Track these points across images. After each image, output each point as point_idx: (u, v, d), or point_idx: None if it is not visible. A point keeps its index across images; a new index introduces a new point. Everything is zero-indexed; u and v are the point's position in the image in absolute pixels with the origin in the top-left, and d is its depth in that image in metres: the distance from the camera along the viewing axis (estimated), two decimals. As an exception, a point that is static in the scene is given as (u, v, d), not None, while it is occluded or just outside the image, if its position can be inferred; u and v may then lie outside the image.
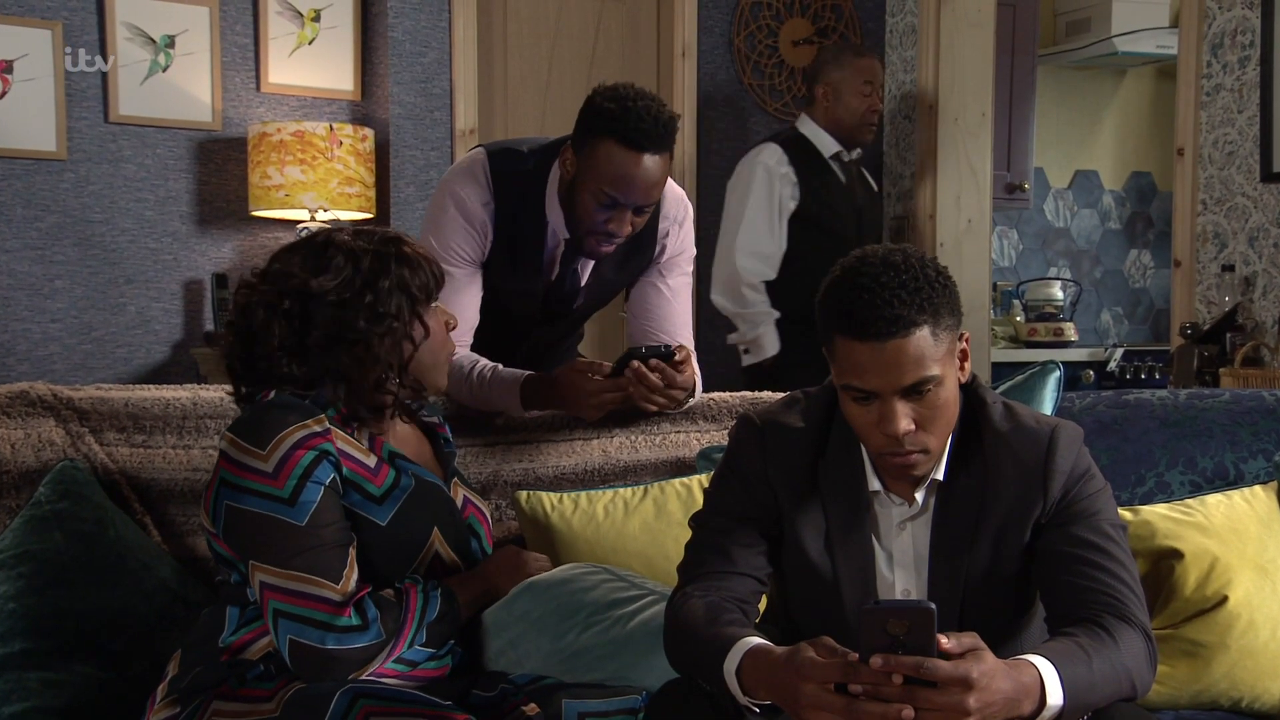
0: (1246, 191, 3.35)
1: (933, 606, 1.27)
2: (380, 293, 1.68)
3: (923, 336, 1.43)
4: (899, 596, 1.56)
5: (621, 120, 2.00)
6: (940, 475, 1.55)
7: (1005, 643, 1.56)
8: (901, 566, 1.57)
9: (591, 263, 2.27)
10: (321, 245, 1.72)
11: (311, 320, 1.68)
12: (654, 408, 2.08)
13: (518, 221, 2.20)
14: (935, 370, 1.45)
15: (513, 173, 2.19)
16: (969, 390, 1.58)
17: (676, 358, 2.04)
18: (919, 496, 1.55)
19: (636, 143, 2.00)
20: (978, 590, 1.54)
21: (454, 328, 1.80)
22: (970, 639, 1.30)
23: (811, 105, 3.74)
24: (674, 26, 4.39)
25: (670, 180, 2.29)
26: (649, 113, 2.01)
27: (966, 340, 1.53)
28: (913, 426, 1.46)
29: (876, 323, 1.42)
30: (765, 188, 3.58)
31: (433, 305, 1.75)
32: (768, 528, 1.60)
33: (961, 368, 1.53)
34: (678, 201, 2.29)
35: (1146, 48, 4.93)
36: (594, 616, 1.74)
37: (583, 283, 2.30)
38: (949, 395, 1.49)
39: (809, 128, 3.73)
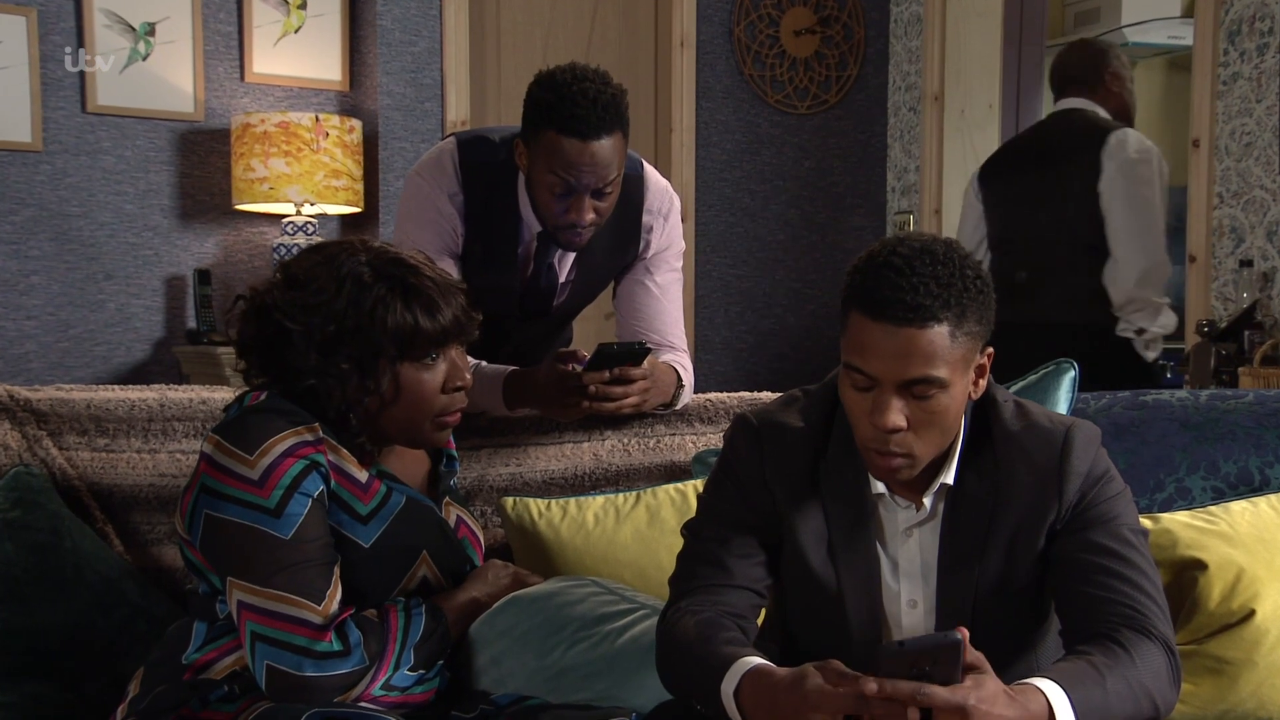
0: (1265, 184, 3.27)
1: (959, 638, 1.21)
2: (344, 333, 1.57)
3: (939, 333, 1.35)
4: (904, 606, 1.50)
5: (558, 109, 1.94)
6: (950, 479, 1.47)
7: (1019, 657, 1.49)
8: (908, 576, 1.50)
9: (570, 258, 2.21)
10: (325, 258, 1.62)
11: (269, 335, 1.60)
12: (628, 410, 2.03)
13: (490, 214, 2.13)
14: (942, 373, 1.36)
15: (483, 163, 2.12)
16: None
17: (650, 355, 2.00)
18: (927, 501, 1.48)
19: (578, 131, 1.94)
20: (990, 601, 1.47)
21: (461, 387, 1.65)
22: (972, 657, 1.24)
23: (1094, 90, 3.41)
24: (672, 16, 4.36)
25: (654, 173, 2.23)
26: (586, 97, 1.93)
27: (989, 356, 1.45)
28: (904, 424, 1.38)
29: (896, 306, 1.34)
30: (1163, 169, 3.31)
31: (425, 360, 1.61)
32: (766, 535, 1.53)
33: (975, 383, 1.45)
34: (662, 194, 2.22)
35: (1157, 38, 4.88)
36: (581, 632, 1.69)
37: (561, 279, 2.24)
38: (951, 405, 1.40)
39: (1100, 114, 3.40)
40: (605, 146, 1.95)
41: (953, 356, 1.36)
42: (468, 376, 1.66)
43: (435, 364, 1.62)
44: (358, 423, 1.60)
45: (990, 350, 1.44)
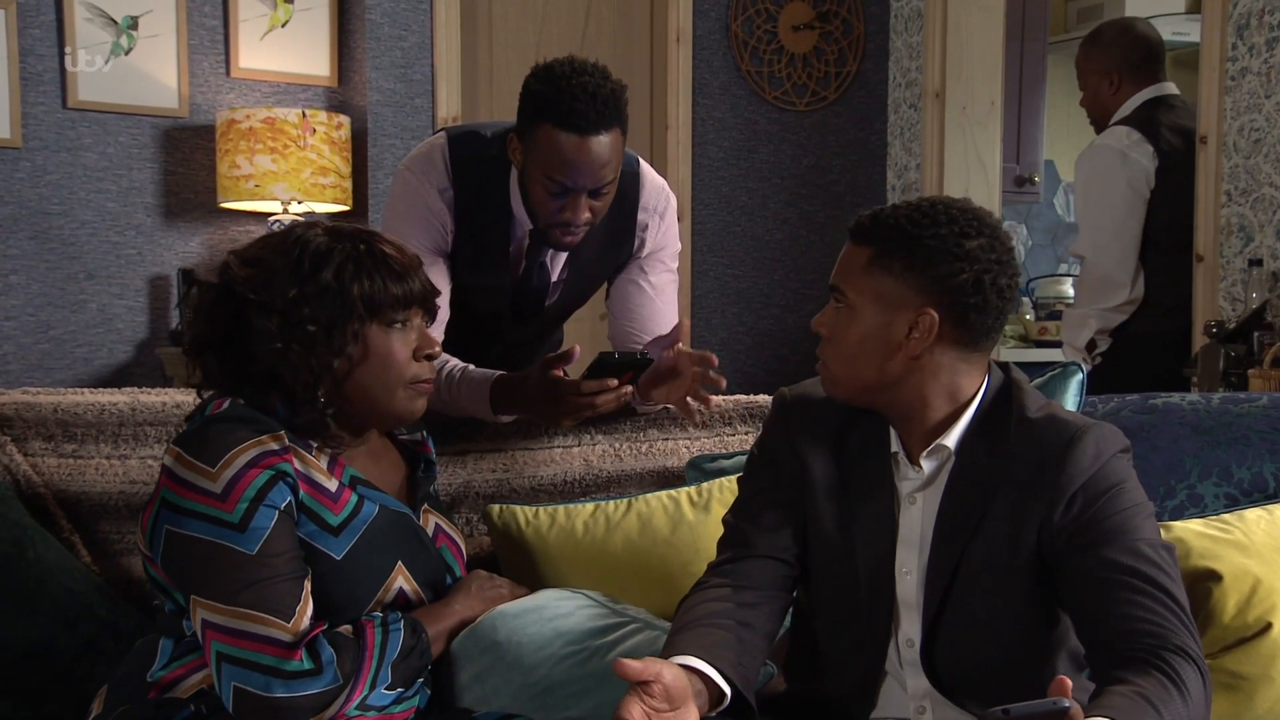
0: (1275, 181, 3.21)
1: (1068, 705, 1.16)
2: (307, 295, 1.53)
3: (859, 252, 1.47)
4: (899, 572, 1.49)
5: (556, 103, 1.89)
6: (949, 443, 1.48)
7: (1016, 656, 1.45)
8: (906, 543, 1.50)
9: (562, 256, 2.15)
10: (279, 236, 1.59)
11: (227, 313, 1.55)
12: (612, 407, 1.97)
13: (480, 211, 2.09)
14: (849, 291, 1.47)
15: (474, 159, 2.08)
16: (1005, 374, 1.54)
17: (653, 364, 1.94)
18: (924, 463, 1.50)
19: (576, 126, 1.89)
20: (972, 581, 1.46)
21: (432, 356, 1.63)
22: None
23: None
24: (668, 10, 4.31)
25: (650, 170, 2.19)
26: (586, 91, 1.89)
27: (933, 321, 1.44)
28: (822, 331, 1.52)
29: (856, 222, 1.50)
30: None
31: (394, 324, 1.58)
32: (795, 504, 1.57)
33: (908, 335, 1.45)
34: (658, 192, 2.18)
35: (1162, 35, 4.79)
36: (569, 647, 1.65)
37: (554, 278, 2.19)
38: (852, 331, 1.48)
39: None
40: (603, 143, 1.91)
41: (864, 283, 1.46)
42: (438, 346, 1.63)
43: (405, 330, 1.59)
44: (325, 396, 1.54)
45: (934, 314, 1.44)
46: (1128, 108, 3.40)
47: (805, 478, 1.56)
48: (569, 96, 1.88)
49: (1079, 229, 3.44)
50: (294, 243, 1.56)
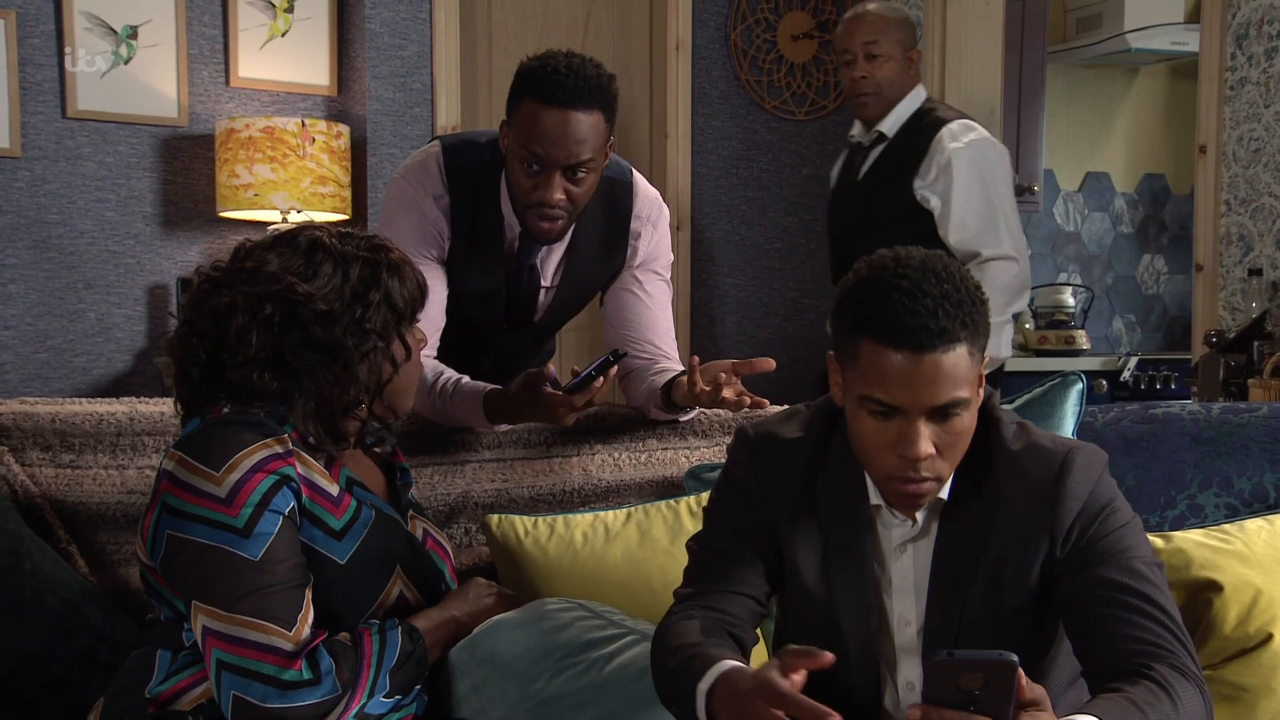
0: (1274, 191, 3.20)
1: (1014, 659, 1.13)
2: (368, 306, 1.55)
3: (961, 354, 1.33)
4: (897, 624, 1.46)
5: (538, 76, 1.94)
6: (944, 494, 1.44)
7: None
8: (900, 593, 1.47)
9: (554, 260, 2.16)
10: (307, 247, 1.57)
11: (291, 331, 1.53)
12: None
13: (475, 216, 2.10)
14: (966, 393, 1.34)
15: (468, 165, 2.10)
16: (982, 406, 1.47)
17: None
18: (920, 516, 1.45)
19: (554, 98, 1.92)
20: (978, 624, 1.42)
21: (424, 345, 1.68)
22: (1035, 694, 1.17)
23: None
24: (667, 20, 4.31)
25: (643, 181, 2.20)
26: (569, 67, 1.93)
27: (985, 364, 1.41)
28: (933, 450, 1.35)
29: (918, 332, 1.31)
30: None
31: (415, 322, 1.63)
32: (766, 544, 1.51)
33: (976, 392, 1.40)
34: (651, 201, 2.20)
35: (1160, 44, 4.82)
36: (567, 659, 1.62)
37: (546, 283, 2.20)
38: (972, 422, 1.39)
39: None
40: (581, 120, 1.92)
41: (972, 374, 1.35)
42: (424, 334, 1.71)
43: (414, 326, 1.65)
44: (369, 404, 1.59)
45: (987, 356, 1.40)
46: (915, 98, 3.27)
47: (778, 525, 1.50)
48: (550, 70, 1.92)
49: (986, 226, 3.11)
50: (336, 258, 1.56)
